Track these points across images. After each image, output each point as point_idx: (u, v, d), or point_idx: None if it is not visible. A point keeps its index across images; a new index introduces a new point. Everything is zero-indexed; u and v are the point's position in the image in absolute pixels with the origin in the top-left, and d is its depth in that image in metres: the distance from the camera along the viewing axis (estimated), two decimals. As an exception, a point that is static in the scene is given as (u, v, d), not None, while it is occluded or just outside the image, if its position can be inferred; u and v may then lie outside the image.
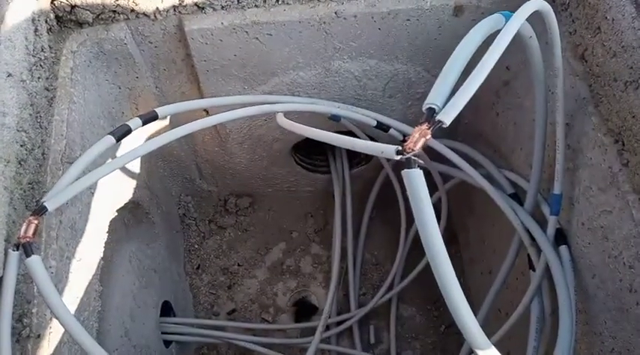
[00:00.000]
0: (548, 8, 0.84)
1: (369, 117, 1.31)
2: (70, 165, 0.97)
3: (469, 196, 1.61)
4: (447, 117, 0.63)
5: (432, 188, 1.57)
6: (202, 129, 1.30)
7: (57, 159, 0.97)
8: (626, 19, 0.89)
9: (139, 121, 1.00)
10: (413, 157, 0.62)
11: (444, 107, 0.65)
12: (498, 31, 0.79)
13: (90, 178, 0.88)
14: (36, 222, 0.77)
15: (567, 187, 1.10)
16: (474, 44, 0.73)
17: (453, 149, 1.39)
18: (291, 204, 1.83)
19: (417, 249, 1.56)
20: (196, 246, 1.77)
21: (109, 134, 0.96)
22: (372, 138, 1.47)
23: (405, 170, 0.61)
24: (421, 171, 0.62)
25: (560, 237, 1.13)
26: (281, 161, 1.70)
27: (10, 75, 0.82)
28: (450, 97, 0.68)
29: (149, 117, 1.01)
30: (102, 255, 1.11)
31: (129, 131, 0.98)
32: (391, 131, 1.34)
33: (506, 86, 1.32)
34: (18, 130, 0.84)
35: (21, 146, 0.85)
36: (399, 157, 0.62)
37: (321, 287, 1.73)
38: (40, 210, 0.79)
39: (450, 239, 1.72)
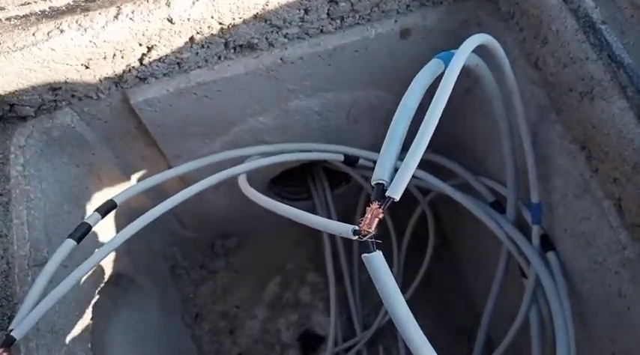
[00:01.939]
0: (490, 41, 0.82)
1: (335, 153, 1.29)
2: (39, 268, 0.95)
3: (456, 202, 1.59)
4: (396, 193, 0.63)
5: (414, 202, 1.55)
6: (171, 184, 1.29)
7: (23, 265, 0.94)
8: (570, 31, 0.87)
9: (97, 216, 0.97)
10: (370, 240, 0.61)
11: (392, 181, 0.64)
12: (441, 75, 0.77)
13: (56, 294, 0.85)
14: (7, 353, 0.75)
15: (545, 194, 1.08)
16: (414, 101, 0.71)
17: (427, 161, 1.37)
18: (280, 236, 1.81)
19: (413, 258, 1.55)
20: (191, 296, 1.75)
21: (68, 237, 0.93)
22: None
23: (364, 255, 0.62)
24: (380, 253, 0.62)
25: (547, 243, 1.12)
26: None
27: (-47, 204, 0.79)
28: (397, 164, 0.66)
29: (108, 208, 0.98)
30: (90, 344, 1.09)
31: (89, 229, 0.95)
32: (360, 161, 1.32)
33: (469, 93, 1.30)
34: (-26, 256, 0.81)
35: (-20, 270, 0.82)
36: (355, 238, 0.62)
37: (323, 315, 1.71)
38: (8, 341, 0.77)
39: (443, 245, 1.71)
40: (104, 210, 0.96)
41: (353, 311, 1.66)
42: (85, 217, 0.95)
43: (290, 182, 1.79)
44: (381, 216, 0.62)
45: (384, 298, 0.62)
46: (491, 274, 1.35)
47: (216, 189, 1.57)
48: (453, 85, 0.73)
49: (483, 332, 1.37)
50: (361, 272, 1.72)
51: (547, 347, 1.17)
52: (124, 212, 1.38)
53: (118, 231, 1.17)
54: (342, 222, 1.74)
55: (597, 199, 0.93)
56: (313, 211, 1.77)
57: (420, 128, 0.68)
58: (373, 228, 0.61)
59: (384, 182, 0.65)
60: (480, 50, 0.86)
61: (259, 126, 1.29)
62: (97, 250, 0.93)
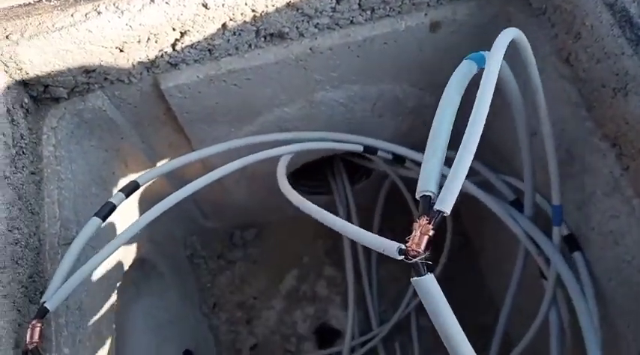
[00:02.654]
0: (520, 35, 0.80)
1: (355, 144, 1.29)
2: (65, 250, 0.97)
3: (478, 201, 1.59)
4: (447, 206, 0.55)
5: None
6: (194, 171, 1.30)
7: (53, 243, 0.96)
8: (605, 27, 0.86)
9: (121, 195, 0.98)
10: (420, 261, 0.53)
11: (439, 192, 0.57)
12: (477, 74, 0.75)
13: (88, 266, 0.86)
14: (39, 325, 0.77)
15: (573, 192, 1.07)
16: (452, 106, 0.67)
17: (447, 158, 1.37)
18: (298, 229, 1.82)
19: (433, 257, 1.54)
20: (209, 285, 1.76)
21: (94, 215, 0.94)
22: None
23: (415, 279, 0.54)
24: (432, 276, 0.54)
25: (573, 243, 1.11)
26: (279, 190, 1.68)
27: (-9, 179, 0.81)
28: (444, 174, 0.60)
29: (131, 188, 1.00)
30: (115, 325, 1.11)
31: (114, 208, 0.96)
32: (379, 153, 1.32)
33: (496, 90, 1.29)
34: (10, 230, 0.83)
35: (15, 244, 0.84)
36: (401, 258, 0.55)
37: (339, 309, 1.72)
38: (41, 313, 0.78)
39: (465, 244, 1.70)
40: (128, 190, 0.98)
41: (370, 306, 1.66)
42: (110, 197, 0.96)
43: (309, 176, 1.80)
44: (431, 233, 0.54)
45: (438, 325, 0.54)
46: (510, 275, 1.34)
47: (238, 181, 1.59)
48: (494, 84, 0.68)
49: (501, 331, 1.37)
50: (379, 268, 1.72)
51: (565, 350, 1.16)
52: (146, 199, 1.40)
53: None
54: (362, 219, 1.72)
55: (627, 197, 0.92)
56: (332, 206, 1.78)
57: (466, 132, 0.62)
58: (423, 248, 0.53)
59: (431, 194, 0.58)
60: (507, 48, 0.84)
61: (284, 117, 1.29)
62: (123, 229, 0.94)
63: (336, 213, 1.73)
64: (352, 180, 1.75)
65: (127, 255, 1.28)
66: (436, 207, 0.55)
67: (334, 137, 1.29)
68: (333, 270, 1.77)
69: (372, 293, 1.68)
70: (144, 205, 1.40)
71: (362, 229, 0.67)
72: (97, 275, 1.08)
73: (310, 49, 1.10)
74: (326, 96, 1.26)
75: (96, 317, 1.03)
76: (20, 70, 0.95)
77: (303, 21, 1.05)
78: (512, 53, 0.89)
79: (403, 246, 0.54)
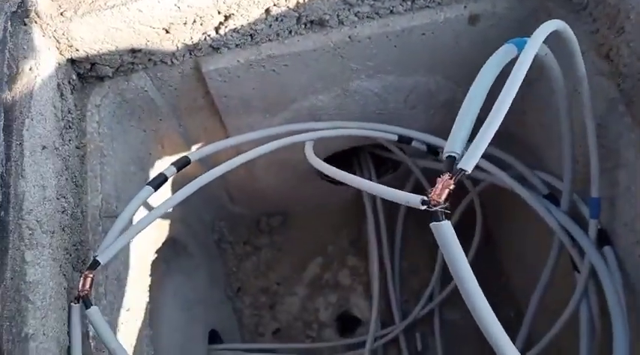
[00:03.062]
0: (564, 27, 0.81)
1: (390, 133, 1.31)
2: (109, 219, 1.01)
3: (503, 196, 1.59)
4: (469, 165, 0.62)
5: (464, 191, 1.56)
6: (227, 156, 1.34)
7: (95, 215, 1.00)
8: (651, 20, 0.86)
9: (173, 169, 1.05)
10: (440, 209, 0.61)
11: (463, 154, 0.64)
12: (513, 60, 0.77)
13: (136, 228, 0.93)
14: (91, 275, 0.84)
15: (607, 187, 1.07)
16: (488, 82, 0.72)
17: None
18: (323, 218, 1.84)
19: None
20: (234, 270, 1.79)
21: (147, 184, 1.02)
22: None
23: (433, 224, 0.61)
24: (449, 223, 0.61)
25: (604, 238, 1.11)
26: (308, 179, 1.71)
27: (44, 147, 0.85)
28: (470, 141, 0.66)
29: (182, 164, 1.06)
30: (148, 299, 1.14)
31: (165, 179, 1.04)
32: (414, 143, 1.33)
33: (531, 86, 1.29)
34: (58, 198, 0.87)
35: (62, 212, 0.88)
36: (424, 207, 0.62)
37: (361, 298, 1.73)
38: (93, 265, 0.85)
39: (486, 240, 1.70)
40: (179, 164, 1.04)
41: (392, 297, 1.67)
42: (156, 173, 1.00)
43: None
44: (452, 187, 0.61)
45: (452, 266, 0.61)
46: (536, 269, 1.34)
47: (267, 167, 1.62)
48: (527, 68, 0.73)
49: (527, 326, 1.37)
50: (402, 259, 1.73)
51: (594, 344, 1.16)
52: (178, 182, 1.44)
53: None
54: (387, 211, 1.75)
55: (663, 193, 0.92)
56: (359, 197, 1.79)
57: (496, 104, 0.68)
58: (443, 199, 0.61)
59: (455, 154, 0.64)
60: (549, 40, 0.86)
61: (318, 105, 1.31)
62: (162, 201, 0.98)
63: (363, 206, 1.75)
64: (379, 173, 1.77)
65: (160, 233, 1.31)
66: (459, 165, 0.62)
67: (368, 126, 1.31)
68: (357, 260, 1.79)
69: (394, 284, 1.69)
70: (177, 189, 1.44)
71: (384, 186, 0.75)
72: (133, 248, 1.11)
73: (349, 37, 1.12)
74: (361, 86, 1.27)
75: (131, 289, 1.07)
76: (71, 46, 0.98)
77: (344, 9, 1.07)
78: (557, 48, 0.90)
79: (426, 198, 0.61)
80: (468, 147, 0.66)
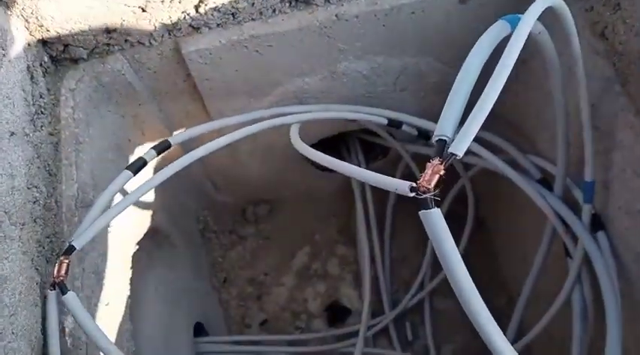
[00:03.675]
0: (559, 3, 0.78)
1: (379, 116, 1.27)
2: (86, 209, 0.96)
3: (496, 181, 1.56)
4: (460, 149, 0.58)
5: (455, 175, 1.53)
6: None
7: (70, 205, 0.95)
8: (650, -5, 0.83)
9: (153, 152, 1.01)
10: (430, 196, 0.58)
11: (454, 138, 0.60)
12: (506, 38, 0.74)
13: (113, 212, 0.89)
14: (67, 261, 0.80)
15: (600, 170, 1.05)
16: (479, 61, 0.68)
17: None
18: (311, 207, 1.80)
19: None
20: (220, 260, 1.75)
21: (126, 169, 0.97)
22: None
23: (422, 211, 0.58)
24: (439, 211, 0.58)
25: (597, 223, 1.08)
26: (294, 164, 1.66)
27: (13, 133, 0.79)
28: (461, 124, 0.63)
29: (163, 147, 1.02)
30: (129, 292, 1.10)
31: (145, 163, 1.00)
32: (404, 127, 1.30)
33: (525, 65, 1.26)
34: (28, 188, 0.81)
35: (34, 203, 0.83)
36: (412, 195, 0.59)
37: (351, 288, 1.70)
38: (69, 250, 0.82)
39: (479, 225, 1.68)
40: (159, 148, 1.01)
41: (382, 286, 1.64)
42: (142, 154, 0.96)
43: (325, 153, 1.77)
44: (442, 172, 0.58)
45: (441, 257, 0.58)
46: (528, 256, 1.32)
47: (251, 152, 1.57)
48: (521, 46, 0.69)
49: (519, 313, 1.35)
50: (392, 248, 1.70)
51: (587, 330, 1.15)
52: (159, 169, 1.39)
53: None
54: (377, 198, 1.71)
55: (660, 175, 0.90)
56: (348, 184, 1.76)
57: (488, 85, 0.65)
58: (432, 185, 0.57)
59: (446, 138, 0.61)
60: (543, 17, 0.82)
61: (305, 87, 1.27)
62: (140, 184, 0.94)
63: (352, 193, 1.72)
64: (368, 159, 1.73)
65: (141, 223, 1.27)
66: (450, 150, 0.59)
67: (357, 109, 1.27)
68: (346, 249, 1.76)
69: (384, 273, 1.66)
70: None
71: (371, 172, 0.72)
72: (111, 239, 1.07)
73: (336, 15, 1.07)
74: (349, 68, 1.23)
75: (110, 283, 1.02)
76: (41, 26, 0.92)
77: (330, -15, 1.02)
78: (550, 26, 0.86)
79: (414, 184, 0.58)
80: (459, 130, 0.62)
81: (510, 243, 1.63)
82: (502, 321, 1.44)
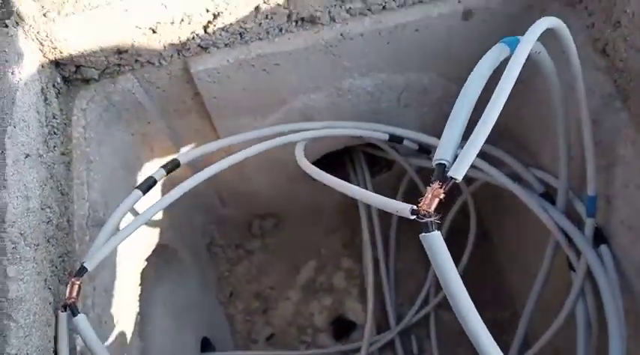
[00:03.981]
0: (558, 24, 0.79)
1: (381, 132, 1.29)
2: (97, 228, 0.97)
3: (500, 194, 1.57)
4: (459, 173, 0.60)
5: (457, 190, 1.54)
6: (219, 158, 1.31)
7: (82, 224, 0.96)
8: (649, 14, 0.85)
9: (162, 172, 1.04)
10: (430, 220, 0.59)
11: (454, 161, 0.61)
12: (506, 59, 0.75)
13: (124, 233, 0.91)
14: (78, 282, 0.82)
15: (603, 185, 1.06)
16: (479, 84, 0.69)
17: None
18: (317, 220, 1.81)
19: (451, 251, 1.53)
20: (226, 274, 1.76)
21: (136, 188, 1.00)
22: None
23: (423, 234, 0.59)
24: (439, 234, 0.59)
25: (599, 236, 1.10)
26: (300, 179, 1.67)
27: (28, 155, 0.81)
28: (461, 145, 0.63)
29: (172, 166, 1.04)
30: (138, 309, 1.11)
31: (154, 182, 1.02)
32: (405, 142, 1.31)
33: (528, 80, 1.28)
34: (42, 208, 0.83)
35: (47, 223, 0.84)
36: (413, 217, 0.60)
37: (356, 301, 1.71)
38: (80, 271, 0.83)
39: (483, 238, 1.69)
40: (169, 167, 1.03)
41: (387, 300, 1.65)
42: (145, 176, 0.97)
43: (329, 168, 1.79)
44: (442, 196, 0.59)
45: (442, 278, 0.59)
46: (532, 268, 1.33)
47: (258, 167, 1.58)
48: (520, 70, 0.70)
49: (523, 326, 1.35)
50: (397, 261, 1.71)
51: (591, 343, 1.15)
52: (168, 187, 1.41)
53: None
54: (381, 212, 1.72)
55: (662, 190, 0.91)
56: (352, 199, 1.76)
57: (486, 109, 0.65)
58: (433, 209, 0.59)
59: (445, 162, 0.62)
60: (543, 35, 0.84)
61: (310, 104, 1.29)
62: (150, 206, 0.95)
63: (357, 207, 1.73)
64: (372, 172, 1.74)
65: (150, 240, 1.28)
66: (449, 174, 0.60)
67: (359, 126, 1.29)
68: (351, 262, 1.77)
69: (389, 287, 1.67)
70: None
71: (377, 194, 0.74)
72: (121, 257, 1.08)
73: (341, 34, 1.10)
74: (354, 84, 1.25)
75: (120, 300, 1.03)
76: (55, 48, 0.95)
77: (335, 5, 1.05)
78: (551, 43, 0.88)
79: (415, 207, 0.59)
80: (459, 153, 0.63)
81: (515, 255, 1.64)
82: (508, 333, 1.45)
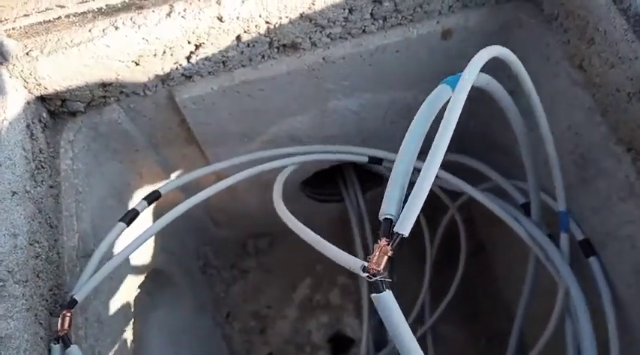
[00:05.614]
0: (502, 51, 0.79)
1: (360, 155, 1.30)
2: (87, 259, 0.98)
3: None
4: (405, 229, 0.59)
5: (444, 207, 1.54)
6: (208, 182, 1.32)
7: (72, 256, 0.97)
8: (619, 31, 0.86)
9: (144, 203, 1.05)
10: (380, 279, 0.59)
11: (399, 216, 0.60)
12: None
13: (112, 263, 0.92)
14: (69, 314, 0.83)
15: (589, 197, 1.07)
16: (421, 131, 0.68)
17: (453, 163, 1.37)
18: (310, 238, 1.82)
19: (445, 261, 1.54)
20: (222, 295, 1.76)
21: (119, 221, 1.00)
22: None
23: (374, 295, 0.59)
24: (390, 293, 0.59)
25: (589, 248, 1.10)
26: (292, 198, 1.68)
27: (14, 193, 0.82)
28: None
29: (153, 198, 1.04)
30: (132, 337, 1.11)
31: (137, 214, 1.02)
32: (384, 163, 1.32)
33: (511, 94, 1.30)
34: (31, 244, 0.84)
35: (36, 258, 0.85)
36: (365, 276, 0.60)
37: (353, 317, 1.71)
38: (71, 303, 0.85)
39: (478, 248, 1.70)
40: (150, 199, 1.04)
41: (383, 314, 1.65)
42: (134, 205, 0.98)
43: (322, 184, 1.80)
44: (390, 253, 0.59)
45: (396, 339, 0.59)
46: (523, 278, 1.33)
47: (249, 188, 1.59)
48: (459, 112, 0.68)
49: (515, 338, 1.36)
50: (392, 275, 1.72)
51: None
52: (161, 211, 1.42)
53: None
54: (374, 227, 1.73)
55: (644, 202, 0.92)
56: (345, 213, 1.78)
57: (427, 160, 0.63)
58: (382, 267, 0.58)
59: (391, 217, 0.61)
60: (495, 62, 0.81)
61: (297, 126, 1.30)
62: (140, 232, 0.96)
63: (348, 221, 1.74)
64: (364, 188, 1.75)
65: (142, 265, 1.29)
66: (395, 229, 0.59)
67: (337, 149, 1.30)
68: (347, 278, 1.77)
69: (385, 301, 1.67)
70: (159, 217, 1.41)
71: (333, 246, 0.74)
72: (113, 286, 1.09)
73: (323, 58, 1.11)
74: (338, 105, 1.26)
75: (114, 329, 1.04)
76: (39, 85, 0.96)
77: (315, 31, 1.06)
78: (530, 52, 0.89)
79: (366, 264, 0.59)
80: (404, 207, 0.61)
81: (508, 265, 1.65)
82: (503, 342, 1.45)
